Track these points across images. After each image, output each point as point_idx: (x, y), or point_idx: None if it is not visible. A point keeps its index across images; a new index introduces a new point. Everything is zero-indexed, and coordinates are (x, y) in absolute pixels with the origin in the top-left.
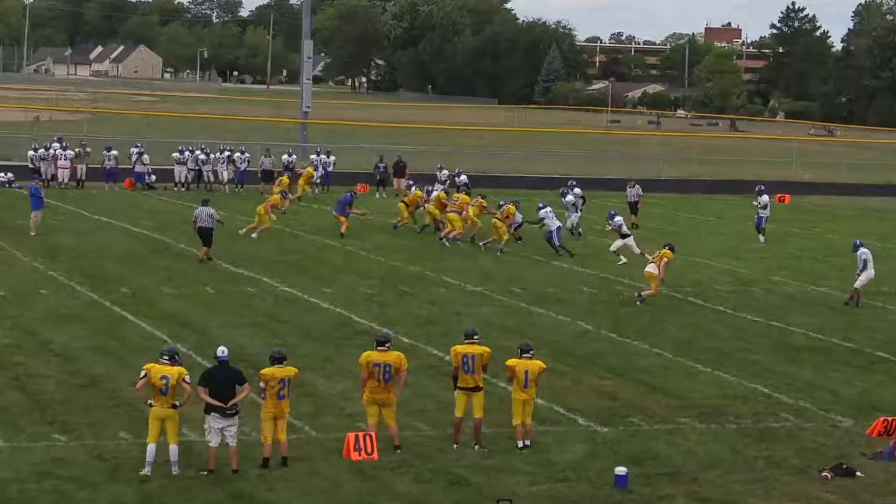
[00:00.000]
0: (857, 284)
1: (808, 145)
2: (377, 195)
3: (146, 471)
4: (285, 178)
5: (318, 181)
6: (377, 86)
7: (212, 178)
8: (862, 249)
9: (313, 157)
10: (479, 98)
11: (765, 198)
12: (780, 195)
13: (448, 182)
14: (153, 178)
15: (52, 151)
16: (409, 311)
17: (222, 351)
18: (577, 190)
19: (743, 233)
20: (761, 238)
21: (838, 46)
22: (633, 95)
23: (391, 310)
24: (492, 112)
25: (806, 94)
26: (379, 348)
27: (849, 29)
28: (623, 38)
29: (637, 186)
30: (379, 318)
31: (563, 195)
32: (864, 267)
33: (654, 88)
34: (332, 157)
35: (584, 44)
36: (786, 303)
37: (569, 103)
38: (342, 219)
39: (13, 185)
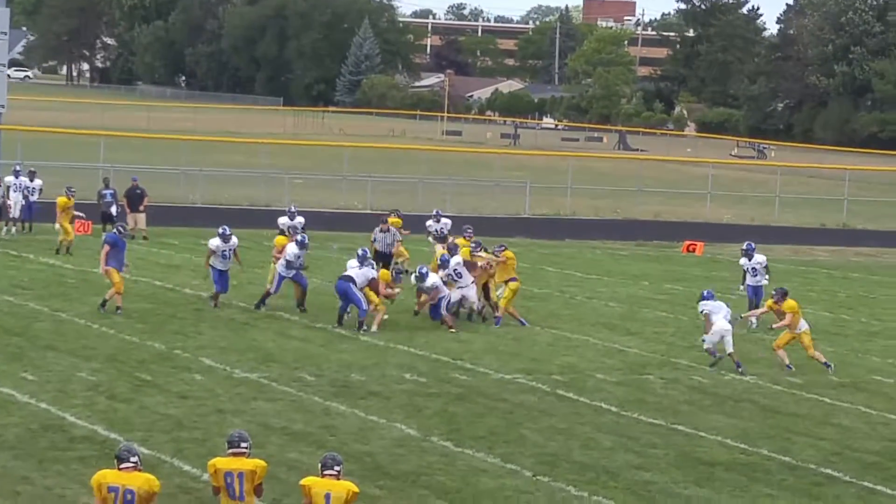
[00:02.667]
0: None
1: (730, 171)
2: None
3: None
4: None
5: (19, 216)
6: (105, 76)
7: None
8: (704, 303)
9: (9, 179)
10: (257, 97)
11: (761, 258)
12: (689, 243)
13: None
14: None
15: None
16: (149, 408)
17: None
18: (447, 221)
19: (635, 297)
20: (753, 320)
21: (773, 29)
22: (480, 96)
23: (125, 406)
24: (275, 117)
25: (726, 97)
26: (123, 467)
27: (787, 5)
28: (466, 12)
29: (444, 220)
30: (106, 418)
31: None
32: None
33: (509, 86)
34: (38, 181)
35: (411, 20)
36: (695, 397)
37: (387, 106)
38: (113, 273)
39: None
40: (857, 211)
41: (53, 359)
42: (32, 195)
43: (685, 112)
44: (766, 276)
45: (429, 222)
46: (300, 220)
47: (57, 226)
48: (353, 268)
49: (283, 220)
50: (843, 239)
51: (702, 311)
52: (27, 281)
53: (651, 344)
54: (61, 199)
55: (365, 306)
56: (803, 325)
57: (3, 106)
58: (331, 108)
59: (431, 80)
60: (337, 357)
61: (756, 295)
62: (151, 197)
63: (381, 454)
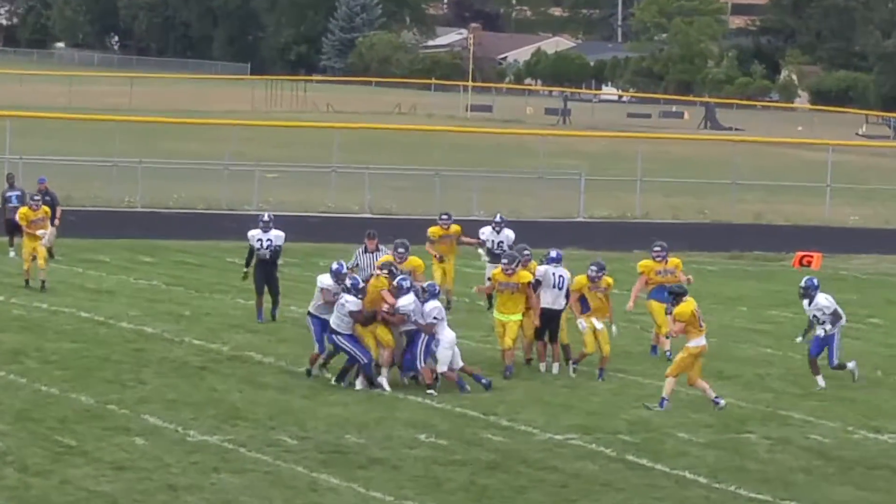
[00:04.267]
0: None
1: (856, 156)
2: (11, 252)
3: None
4: None
5: None
6: (12, 37)
7: None
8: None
9: None
10: (215, 63)
11: (825, 301)
12: (802, 254)
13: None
14: None
15: None
16: (74, 482)
17: None
18: (508, 233)
19: (729, 327)
20: (819, 381)
21: None
22: (517, 59)
23: (40, 481)
24: (240, 90)
25: (850, 57)
26: None
27: None
28: None
29: (506, 232)
30: (16, 497)
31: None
32: None
33: (556, 45)
34: None
35: None
36: (813, 463)
37: (391, 73)
38: None
39: None
40: None
41: None
42: None
43: (794, 77)
44: (834, 328)
45: (484, 230)
46: (278, 234)
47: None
48: (317, 300)
49: (254, 234)
50: None
51: (433, 319)
52: None
53: (752, 391)
54: (23, 211)
55: (365, 357)
56: (699, 342)
57: None
58: (315, 78)
59: (451, 37)
60: (326, 412)
61: (816, 349)
62: (76, 198)
63: None
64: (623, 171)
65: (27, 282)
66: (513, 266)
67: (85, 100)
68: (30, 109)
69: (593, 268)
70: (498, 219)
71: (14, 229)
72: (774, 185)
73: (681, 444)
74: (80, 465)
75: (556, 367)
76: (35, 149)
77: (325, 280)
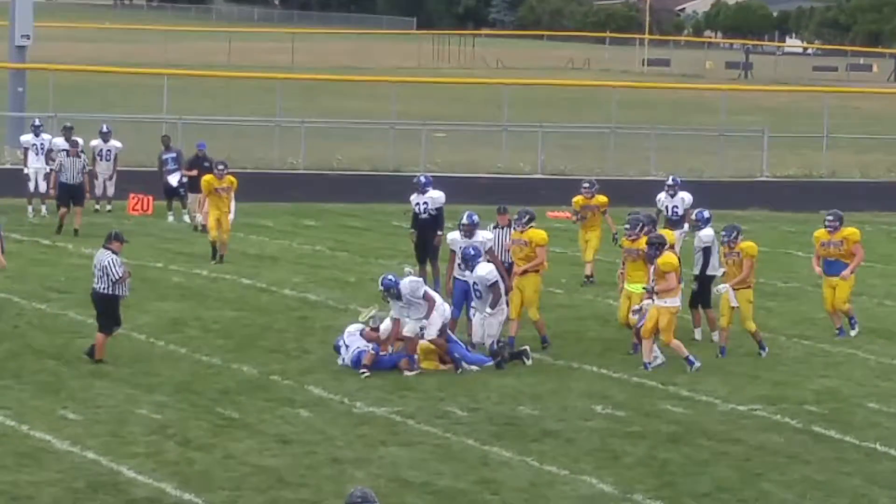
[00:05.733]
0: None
1: None
2: (169, 217)
3: None
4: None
5: (47, 190)
6: None
7: None
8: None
9: (27, 137)
10: (380, 17)
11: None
12: None
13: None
14: None
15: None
16: (237, 457)
17: None
18: (684, 196)
19: None
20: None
21: None
22: (696, 10)
23: (203, 456)
24: (406, 46)
25: None
26: None
27: None
28: None
29: (682, 195)
30: (178, 472)
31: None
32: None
33: None
34: (115, 143)
35: None
36: None
37: (563, 26)
38: None
39: None
40: None
41: (103, 389)
42: (104, 159)
43: None
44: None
45: (659, 196)
46: (435, 195)
47: (196, 217)
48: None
49: (414, 197)
50: None
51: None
52: (64, 281)
53: None
54: (207, 178)
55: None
56: (676, 302)
57: (27, 36)
58: (484, 32)
59: None
60: (498, 383)
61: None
62: (236, 160)
63: None
64: (808, 127)
65: (214, 252)
66: (636, 231)
67: (244, 57)
68: (187, 68)
69: (724, 233)
70: (671, 181)
71: (172, 193)
72: None
73: (871, 414)
74: (243, 438)
75: (697, 333)
76: (193, 109)
77: (453, 235)
